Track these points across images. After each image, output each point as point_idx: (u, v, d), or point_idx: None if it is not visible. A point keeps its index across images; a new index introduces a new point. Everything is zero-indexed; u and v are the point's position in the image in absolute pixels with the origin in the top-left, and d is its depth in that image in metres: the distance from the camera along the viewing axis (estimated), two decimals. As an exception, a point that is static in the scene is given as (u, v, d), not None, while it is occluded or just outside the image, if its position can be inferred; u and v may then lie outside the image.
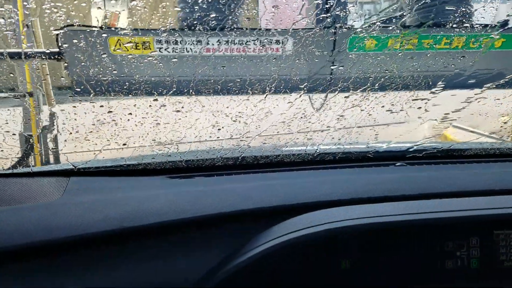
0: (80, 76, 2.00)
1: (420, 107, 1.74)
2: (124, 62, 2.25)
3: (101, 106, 1.47)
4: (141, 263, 1.14)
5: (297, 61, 2.11)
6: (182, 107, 1.57)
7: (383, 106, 1.72)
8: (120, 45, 2.34)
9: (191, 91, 1.56)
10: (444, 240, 1.22)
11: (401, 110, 1.73)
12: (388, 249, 1.21)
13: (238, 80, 1.94)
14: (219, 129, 1.64)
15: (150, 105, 1.54)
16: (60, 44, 2.29)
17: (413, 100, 1.76)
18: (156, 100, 1.53)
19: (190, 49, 2.44)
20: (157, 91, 1.92)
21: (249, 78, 1.99)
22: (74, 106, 1.47)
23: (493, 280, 1.25)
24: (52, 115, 2.12)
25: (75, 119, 1.47)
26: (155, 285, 1.12)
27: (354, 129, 1.82)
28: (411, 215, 1.21)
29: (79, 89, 1.98)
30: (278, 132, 1.70)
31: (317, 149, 1.64)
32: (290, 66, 2.08)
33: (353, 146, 1.70)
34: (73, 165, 1.47)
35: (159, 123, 1.58)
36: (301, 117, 1.68)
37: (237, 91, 1.83)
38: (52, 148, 2.04)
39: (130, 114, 1.55)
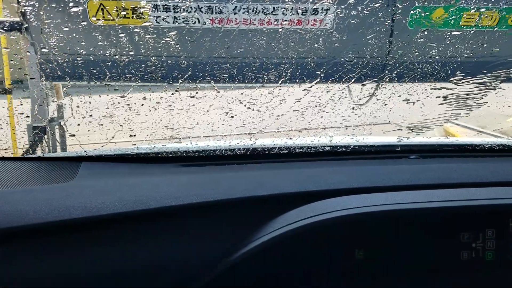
0: (49, 55, 1.64)
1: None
2: (108, 35, 1.75)
3: (116, 89, 1.47)
4: (155, 245, 1.14)
5: (337, 39, 1.70)
6: (197, 92, 1.55)
7: (399, 96, 1.69)
8: (103, 11, 1.76)
9: (206, 75, 1.54)
10: (459, 231, 1.20)
11: (417, 100, 1.70)
12: (403, 238, 1.19)
13: (256, 64, 1.67)
14: (232, 117, 1.63)
15: (165, 90, 1.53)
16: (23, 11, 1.73)
17: (431, 88, 1.70)
18: (170, 83, 1.51)
19: (197, 19, 1.82)
20: (154, 77, 1.63)
21: (269, 61, 1.67)
22: (89, 88, 1.46)
23: (507, 273, 1.24)
24: (60, 107, 2.11)
25: (90, 102, 1.47)
26: (166, 267, 1.12)
27: (368, 121, 1.80)
28: (427, 203, 1.19)
29: (47, 73, 1.65)
30: (291, 121, 1.68)
31: (330, 141, 1.63)
32: (328, 46, 1.69)
33: (366, 138, 1.68)
34: (85, 151, 1.47)
35: (172, 109, 1.57)
36: (316, 106, 1.65)
37: (253, 77, 1.67)
38: (61, 140, 2.03)
39: (145, 98, 1.54)
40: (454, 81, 1.70)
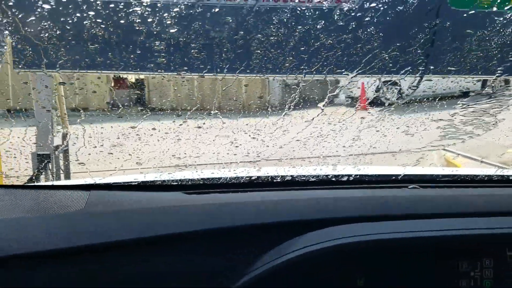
0: (22, 39, 1.46)
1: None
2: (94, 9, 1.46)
3: (127, 120, 1.53)
4: (162, 271, 1.17)
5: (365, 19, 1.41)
6: (204, 123, 1.62)
7: (398, 128, 1.74)
8: None
9: (213, 107, 1.59)
10: (458, 260, 1.23)
11: (415, 132, 1.75)
12: (402, 266, 1.22)
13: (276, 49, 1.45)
14: (236, 146, 1.68)
15: (173, 121, 1.59)
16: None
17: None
18: (179, 115, 1.57)
19: None
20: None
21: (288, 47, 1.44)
22: (102, 120, 1.53)
23: None
24: (65, 135, 2.14)
25: (101, 133, 1.53)
26: None
27: (369, 151, 1.84)
28: (426, 232, 1.23)
29: (20, 60, 1.49)
30: (294, 150, 1.73)
31: (331, 170, 1.67)
32: (351, 33, 1.42)
33: (367, 168, 1.72)
34: (93, 180, 1.52)
35: (180, 139, 1.62)
36: (318, 136, 1.71)
37: (257, 109, 1.70)
38: (67, 168, 2.06)
39: (154, 129, 1.60)
40: (457, 108, 1.69)
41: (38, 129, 1.95)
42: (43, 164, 1.92)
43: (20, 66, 1.55)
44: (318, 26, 1.52)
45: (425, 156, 1.86)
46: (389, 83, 1.75)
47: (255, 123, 1.68)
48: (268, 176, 1.59)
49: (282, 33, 1.55)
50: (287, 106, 1.61)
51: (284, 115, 1.64)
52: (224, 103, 1.68)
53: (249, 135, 1.69)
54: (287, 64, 1.56)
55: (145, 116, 1.53)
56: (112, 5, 1.50)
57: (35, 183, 1.82)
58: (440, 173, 1.80)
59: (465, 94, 1.79)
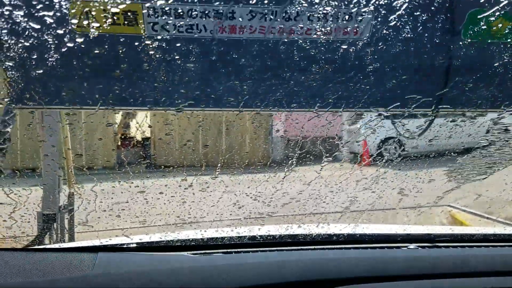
0: (20, 76, 1.44)
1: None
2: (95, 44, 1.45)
3: (136, 186, 1.61)
4: None
5: (373, 54, 1.37)
6: (208, 187, 1.69)
7: (393, 189, 1.80)
8: (88, 15, 1.45)
9: (216, 172, 1.66)
10: None
11: (409, 192, 1.82)
12: None
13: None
14: (239, 208, 1.74)
15: (179, 185, 1.67)
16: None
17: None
18: (185, 180, 1.65)
19: (204, 27, 1.50)
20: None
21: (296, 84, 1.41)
22: (113, 187, 1.61)
23: None
24: (71, 195, 2.19)
25: (112, 198, 1.60)
26: None
27: (366, 212, 1.88)
28: None
29: (18, 98, 1.46)
30: (294, 211, 1.79)
31: (331, 230, 1.71)
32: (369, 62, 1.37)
33: (367, 228, 1.76)
34: (100, 242, 1.57)
35: (185, 201, 1.69)
36: (316, 198, 1.77)
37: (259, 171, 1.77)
38: (70, 228, 2.10)
39: (161, 193, 1.67)
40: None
41: (45, 188, 2.00)
42: (49, 224, 1.96)
43: (17, 103, 1.53)
44: (326, 59, 1.51)
45: (429, 212, 1.91)
46: (391, 140, 1.77)
47: (256, 186, 1.75)
48: (270, 236, 1.64)
49: (290, 66, 1.53)
50: (286, 169, 1.69)
51: (284, 178, 1.72)
52: (226, 168, 1.77)
53: (251, 197, 1.76)
54: (295, 99, 1.54)
55: (152, 180, 1.62)
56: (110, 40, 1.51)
57: (43, 246, 1.86)
58: (439, 232, 1.83)
59: (466, 150, 1.81)
